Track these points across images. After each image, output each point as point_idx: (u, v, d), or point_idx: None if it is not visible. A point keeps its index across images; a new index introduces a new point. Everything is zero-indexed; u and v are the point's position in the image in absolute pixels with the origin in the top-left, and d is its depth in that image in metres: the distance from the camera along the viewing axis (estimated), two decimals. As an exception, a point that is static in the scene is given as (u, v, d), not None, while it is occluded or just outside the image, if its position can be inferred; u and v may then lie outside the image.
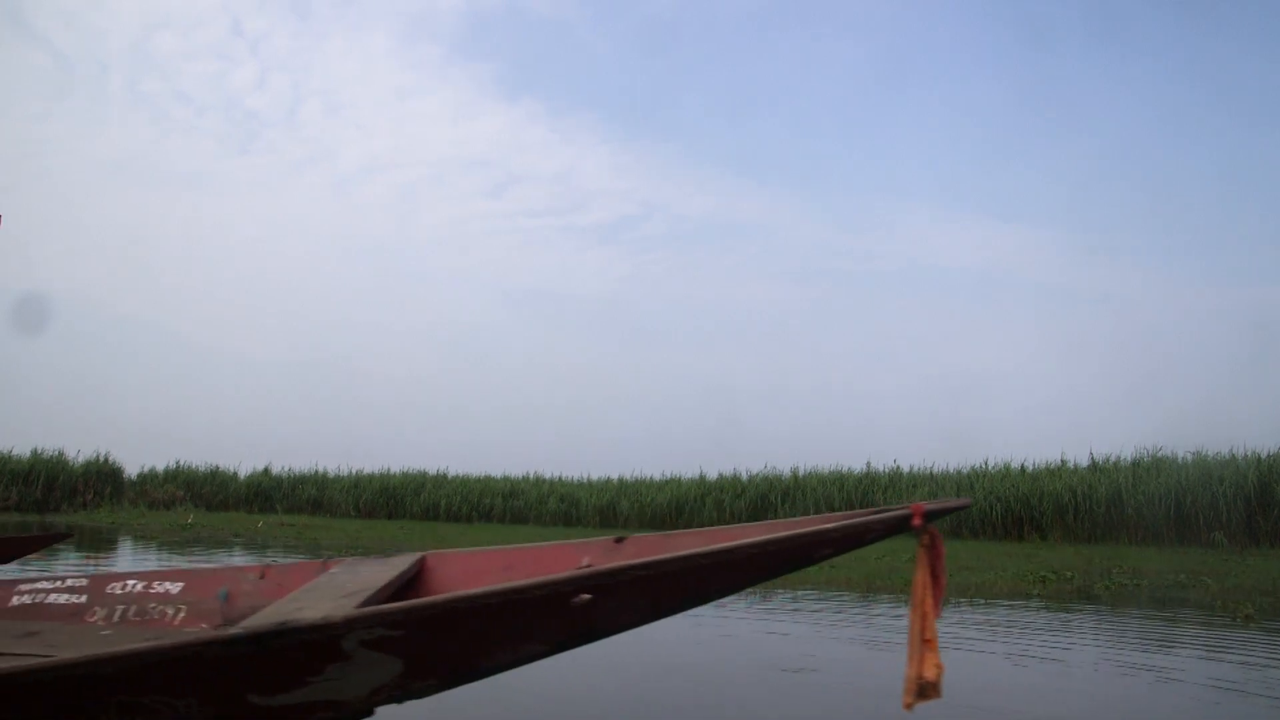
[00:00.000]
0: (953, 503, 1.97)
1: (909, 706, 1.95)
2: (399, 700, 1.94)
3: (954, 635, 6.44)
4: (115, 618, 2.83)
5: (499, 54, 48.91)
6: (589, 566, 2.20)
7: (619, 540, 2.34)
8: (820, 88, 44.78)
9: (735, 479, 24.18)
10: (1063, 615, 8.06)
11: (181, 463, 27.25)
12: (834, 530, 1.91)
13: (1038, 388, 34.46)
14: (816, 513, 22.23)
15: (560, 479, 26.65)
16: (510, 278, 46.35)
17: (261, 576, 2.83)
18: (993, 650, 5.91)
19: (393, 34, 48.14)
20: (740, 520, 22.67)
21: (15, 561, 9.61)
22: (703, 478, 24.69)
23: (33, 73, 42.50)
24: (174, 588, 2.87)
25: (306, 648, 1.73)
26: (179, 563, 11.92)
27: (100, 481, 24.87)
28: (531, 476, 26.76)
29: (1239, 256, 35.07)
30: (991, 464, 21.45)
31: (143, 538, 16.25)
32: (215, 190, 45.21)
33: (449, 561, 2.52)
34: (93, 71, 44.04)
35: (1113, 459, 19.46)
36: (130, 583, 2.94)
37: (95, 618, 2.86)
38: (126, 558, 12.93)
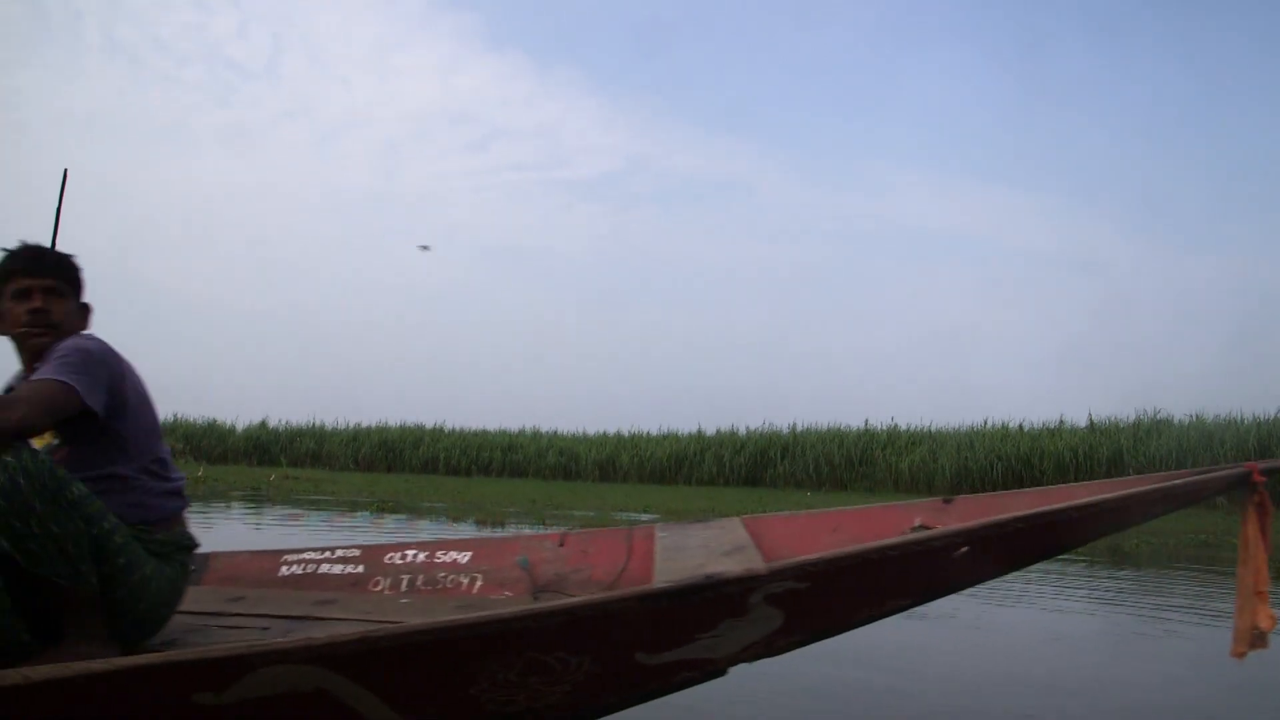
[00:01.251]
0: (1288, 462, 2.10)
1: (1241, 655, 2.08)
2: (756, 658, 2.01)
3: (1074, 595, 6.65)
4: (403, 586, 2.86)
5: (483, 4, 48.25)
6: (922, 527, 2.31)
7: (947, 501, 2.44)
8: (813, 47, 44.60)
9: (733, 435, 24.40)
10: (1127, 574, 8.31)
11: (179, 416, 27.12)
12: (1179, 486, 2.04)
13: (1026, 349, 34.94)
14: (816, 469, 22.57)
15: (557, 433, 26.79)
16: (494, 233, 46.16)
17: (561, 544, 2.86)
18: (1137, 613, 6.11)
19: (377, -19, 47.25)
20: (740, 475, 22.93)
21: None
22: (700, 433, 24.89)
23: (5, 19, 41.34)
24: (462, 557, 2.90)
25: (718, 602, 1.80)
26: (231, 518, 11.95)
27: (98, 433, 24.63)
28: (529, 430, 26.83)
29: (1228, 224, 35.57)
30: (991, 423, 21.77)
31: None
32: (196, 142, 44.44)
33: (773, 525, 2.58)
34: (68, 18, 42.93)
35: (1112, 420, 19.81)
36: (410, 552, 2.96)
37: (380, 587, 2.88)
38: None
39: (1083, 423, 20.46)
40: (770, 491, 20.78)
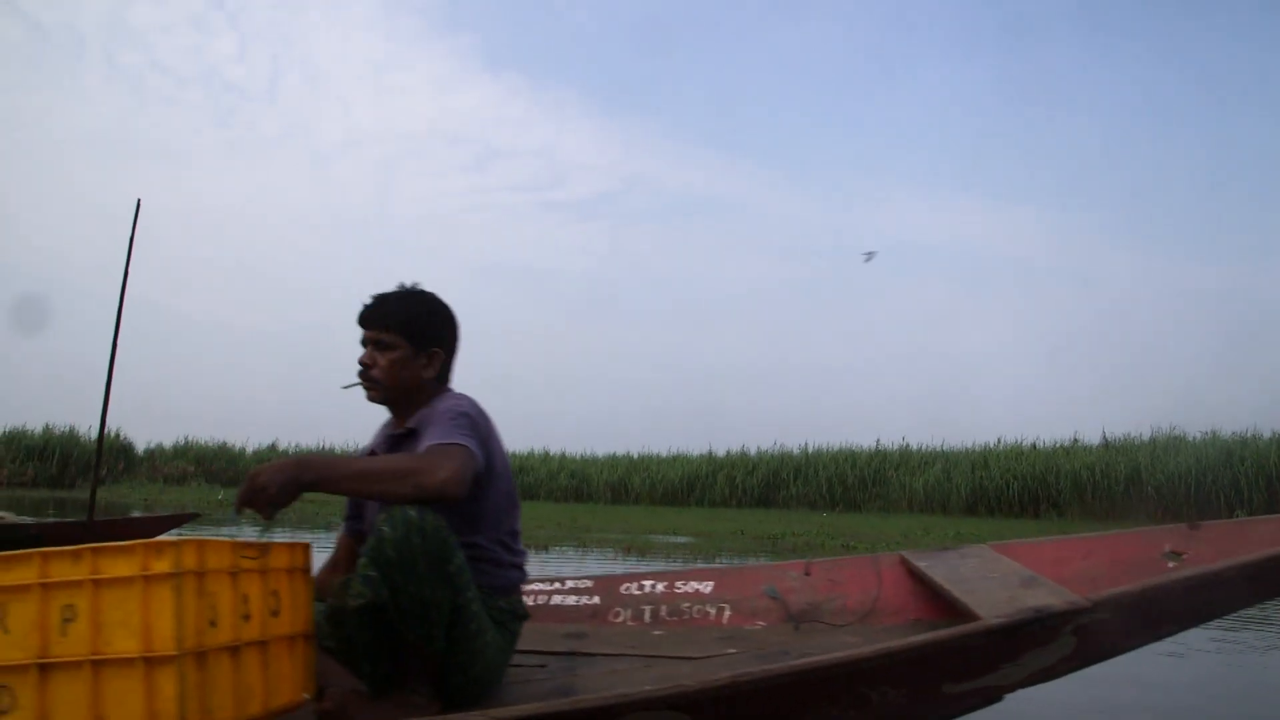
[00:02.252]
0: None
1: None
2: (1035, 683, 2.07)
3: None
4: (646, 618, 2.88)
5: (481, 25, 48.50)
6: (1173, 554, 2.39)
7: (1194, 526, 2.51)
8: (807, 66, 44.98)
9: (744, 456, 24.42)
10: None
11: (190, 438, 26.99)
12: None
13: (1029, 367, 35.16)
14: (829, 490, 22.60)
15: (566, 455, 26.74)
16: (492, 252, 46.23)
17: (807, 573, 2.88)
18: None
19: (374, 4, 47.55)
20: (753, 496, 22.91)
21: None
22: (711, 454, 24.89)
23: (7, 44, 41.45)
24: (704, 587, 2.92)
25: (1036, 634, 1.86)
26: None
27: (113, 457, 24.52)
28: (538, 452, 26.78)
29: (1234, 234, 35.83)
30: (1004, 442, 21.87)
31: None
32: (195, 164, 44.45)
33: (1024, 552, 2.61)
34: (69, 43, 42.96)
35: (1127, 438, 19.93)
36: (647, 583, 2.97)
37: (621, 619, 2.89)
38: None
39: (1095, 440, 20.63)
40: (785, 513, 20.78)
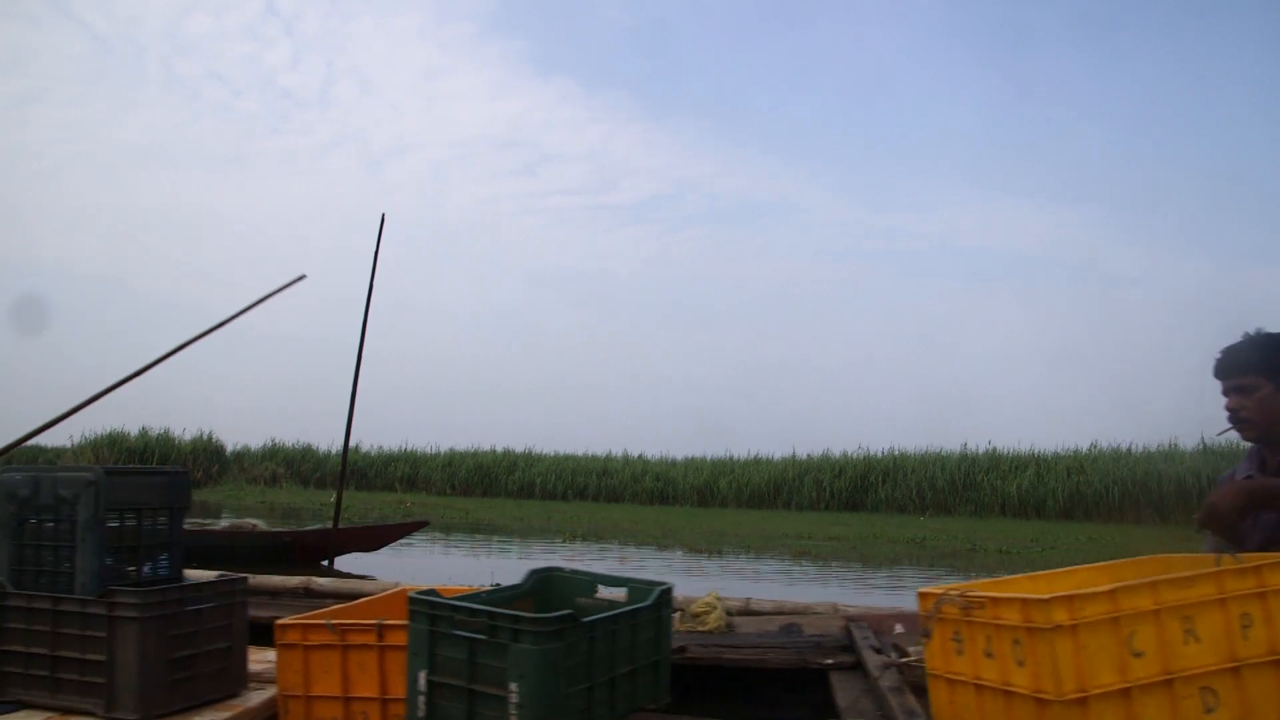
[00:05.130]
0: None
1: None
2: None
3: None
4: None
5: (530, 30, 48.80)
6: None
7: None
8: (859, 68, 45.22)
9: (828, 459, 24.50)
10: None
11: (276, 440, 27.26)
12: None
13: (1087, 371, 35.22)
14: (919, 493, 22.74)
15: (644, 457, 26.91)
16: (545, 257, 46.47)
17: None
18: None
19: (426, 12, 47.88)
20: (840, 499, 22.99)
21: (385, 549, 9.83)
22: (794, 458, 25.02)
23: (71, 56, 42.02)
24: None
25: None
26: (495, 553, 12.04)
27: (207, 459, 24.84)
28: (618, 455, 26.99)
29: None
30: (1099, 446, 21.95)
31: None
32: (252, 170, 44.82)
33: None
34: (130, 54, 43.47)
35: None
36: None
37: None
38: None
39: (1193, 445, 20.68)
40: (879, 516, 20.93)
